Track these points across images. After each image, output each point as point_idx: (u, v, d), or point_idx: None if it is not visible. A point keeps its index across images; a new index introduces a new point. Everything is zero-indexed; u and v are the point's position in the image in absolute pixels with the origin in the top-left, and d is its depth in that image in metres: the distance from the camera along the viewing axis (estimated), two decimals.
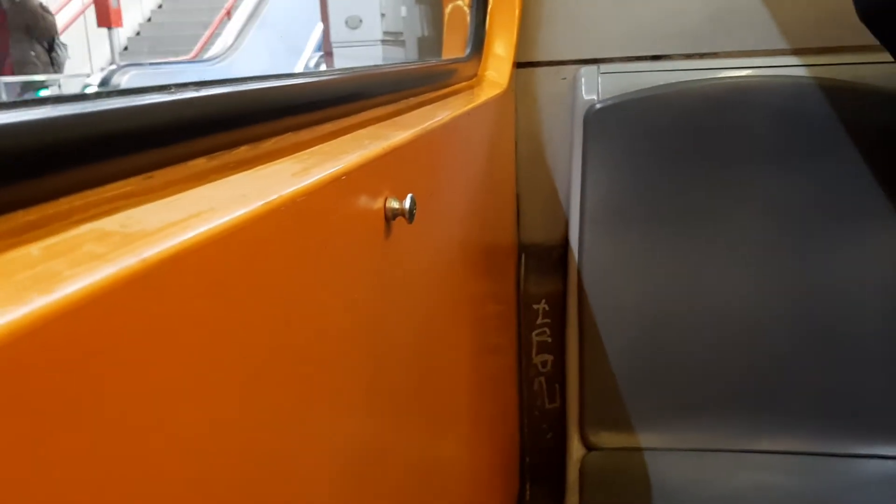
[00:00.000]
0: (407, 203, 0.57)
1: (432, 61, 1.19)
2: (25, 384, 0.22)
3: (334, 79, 0.65)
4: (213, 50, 7.86)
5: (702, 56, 1.37)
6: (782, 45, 1.33)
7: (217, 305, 0.33)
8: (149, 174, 0.37)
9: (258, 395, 0.37)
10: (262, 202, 0.37)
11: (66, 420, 0.24)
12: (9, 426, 0.22)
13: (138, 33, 8.89)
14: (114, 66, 7.47)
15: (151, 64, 7.63)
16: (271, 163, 0.47)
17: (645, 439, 1.31)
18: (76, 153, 0.33)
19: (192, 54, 7.93)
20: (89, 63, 8.04)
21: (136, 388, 0.27)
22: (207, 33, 8.21)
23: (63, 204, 0.32)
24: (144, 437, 0.28)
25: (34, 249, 0.27)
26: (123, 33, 8.44)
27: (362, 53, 4.67)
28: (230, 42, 7.82)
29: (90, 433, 0.25)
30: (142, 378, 0.28)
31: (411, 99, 0.85)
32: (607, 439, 1.32)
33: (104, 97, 0.36)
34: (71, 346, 0.24)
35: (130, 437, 0.27)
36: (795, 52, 1.32)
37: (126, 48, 8.51)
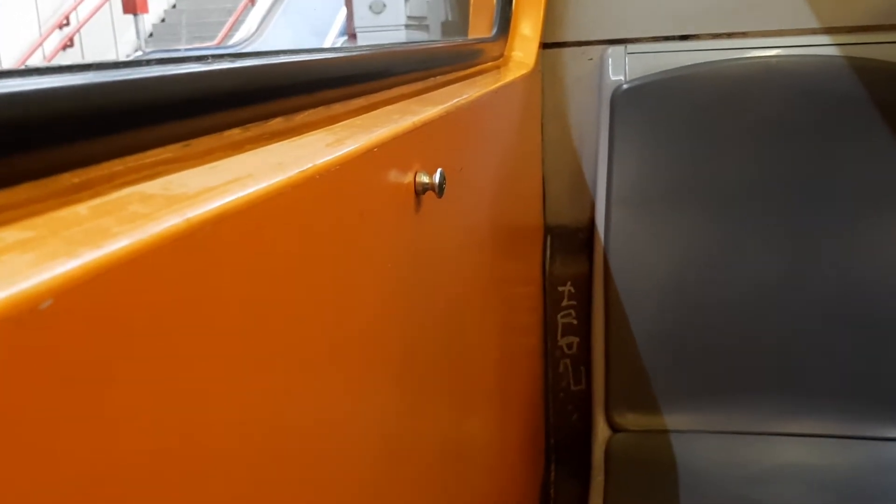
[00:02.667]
0: (437, 177, 0.58)
1: (459, 40, 1.19)
2: (78, 335, 0.23)
3: (366, 55, 0.66)
4: (238, 36, 7.90)
5: (730, 35, 1.35)
6: (813, 23, 1.31)
7: (254, 268, 0.34)
8: (186, 142, 0.38)
9: (289, 363, 0.38)
10: (298, 170, 0.37)
11: (118, 370, 0.25)
12: (62, 374, 0.22)
13: (163, 20, 8.94)
14: (140, 53, 7.54)
15: (177, 50, 7.68)
16: (305, 134, 0.47)
17: (671, 421, 1.30)
18: (118, 119, 0.33)
19: (217, 40, 7.97)
20: (115, 49, 8.11)
21: (181, 341, 0.28)
22: (232, 19, 8.25)
23: (105, 168, 0.32)
24: (186, 389, 0.29)
25: (82, 209, 0.28)
26: (149, 20, 8.50)
27: (386, 38, 4.67)
28: (254, 28, 7.86)
29: (139, 384, 0.26)
30: (186, 332, 0.28)
31: (439, 77, 0.85)
32: (633, 421, 1.32)
33: (144, 66, 0.37)
34: (120, 299, 0.25)
35: (173, 389, 0.28)
36: (826, 30, 1.31)
37: (151, 34, 8.57)
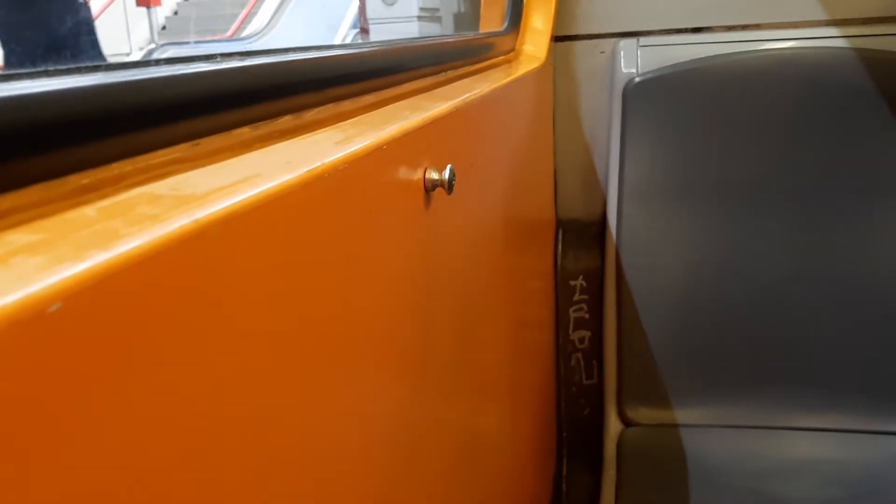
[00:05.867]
0: (446, 174, 0.58)
1: (470, 34, 1.19)
2: (87, 338, 0.23)
3: (375, 51, 0.66)
4: (250, 28, 7.92)
5: (744, 28, 1.34)
6: (827, 15, 1.30)
7: (264, 268, 0.34)
8: (195, 142, 0.38)
9: (300, 362, 0.38)
10: (307, 169, 0.37)
11: (127, 372, 0.25)
12: (71, 377, 0.23)
13: (176, 12, 8.96)
14: (153, 46, 7.56)
15: (188, 43, 7.70)
16: (314, 132, 0.47)
17: (683, 415, 1.30)
18: (126, 120, 0.33)
19: (229, 33, 7.99)
20: (128, 42, 8.13)
21: (191, 343, 0.28)
22: (244, 12, 8.26)
23: (114, 169, 0.32)
24: (197, 391, 0.29)
25: (90, 210, 0.28)
26: (161, 12, 8.51)
27: (398, 30, 4.67)
28: (267, 20, 7.87)
29: (149, 386, 0.26)
30: (196, 333, 0.28)
31: (450, 72, 0.85)
32: (645, 415, 1.31)
33: (152, 66, 0.37)
34: (129, 301, 0.25)
35: (183, 391, 0.28)
36: (840, 22, 1.29)
37: (164, 27, 8.59)
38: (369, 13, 4.96)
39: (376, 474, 0.49)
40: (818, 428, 1.25)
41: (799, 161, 1.29)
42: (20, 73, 0.30)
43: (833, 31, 1.29)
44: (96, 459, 0.24)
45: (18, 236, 0.25)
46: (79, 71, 0.32)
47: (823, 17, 1.30)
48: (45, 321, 0.22)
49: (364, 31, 5.12)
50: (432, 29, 4.81)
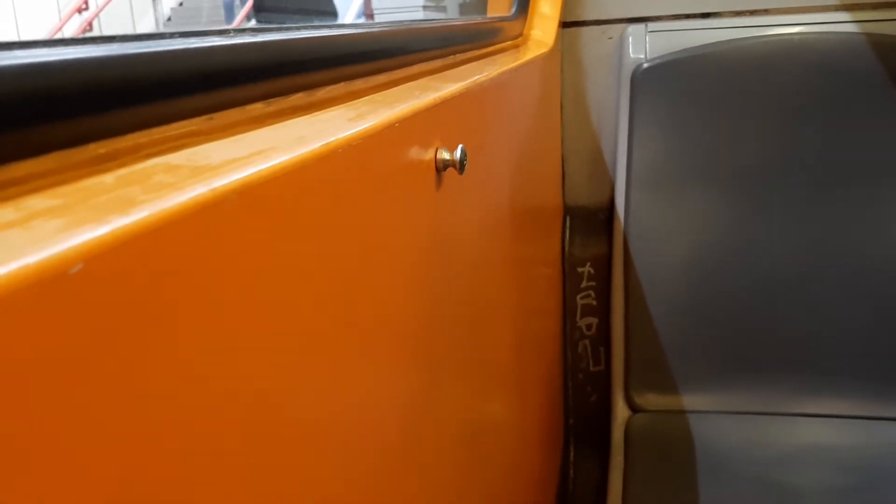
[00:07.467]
0: (458, 154, 0.58)
1: (479, 19, 1.19)
2: (108, 299, 0.23)
3: (387, 31, 0.66)
4: (255, 21, 7.88)
5: (752, 13, 1.34)
6: (836, 0, 1.30)
7: (276, 239, 0.34)
8: (210, 116, 0.38)
9: (308, 338, 0.38)
10: (321, 143, 0.38)
11: (146, 334, 0.25)
12: (93, 337, 0.23)
13: (181, 3, 8.94)
14: None
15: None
16: (326, 109, 0.47)
17: (690, 401, 1.30)
18: (143, 91, 0.33)
19: (234, 24, 7.97)
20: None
21: (206, 306, 0.28)
22: (250, 3, 8.24)
23: (131, 139, 0.33)
24: (209, 356, 0.29)
25: (108, 178, 0.28)
26: (167, 4, 8.50)
27: (404, 20, 4.66)
28: None
29: (167, 349, 0.26)
30: (211, 297, 0.29)
31: (458, 55, 0.85)
32: (652, 401, 1.32)
33: (169, 39, 0.37)
34: (147, 265, 0.25)
35: (197, 355, 0.28)
36: (849, 7, 1.29)
37: (169, 19, 8.58)
38: (374, 3, 4.96)
39: (380, 458, 0.49)
40: (826, 414, 1.25)
41: (807, 147, 1.28)
42: (40, 41, 0.30)
43: (842, 15, 1.29)
44: (114, 413, 0.24)
45: (37, 201, 0.25)
46: (98, 41, 0.32)
47: (833, 1, 1.30)
48: (68, 281, 0.22)
49: (370, 16, 5.12)
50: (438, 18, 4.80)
